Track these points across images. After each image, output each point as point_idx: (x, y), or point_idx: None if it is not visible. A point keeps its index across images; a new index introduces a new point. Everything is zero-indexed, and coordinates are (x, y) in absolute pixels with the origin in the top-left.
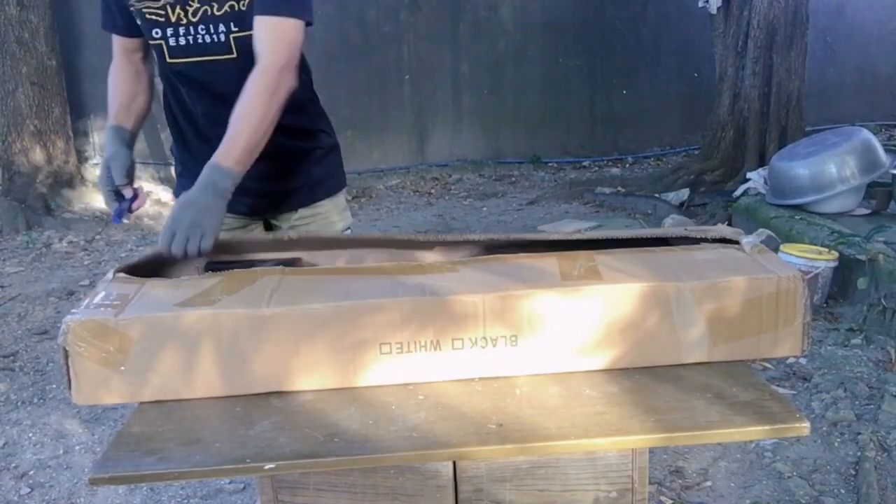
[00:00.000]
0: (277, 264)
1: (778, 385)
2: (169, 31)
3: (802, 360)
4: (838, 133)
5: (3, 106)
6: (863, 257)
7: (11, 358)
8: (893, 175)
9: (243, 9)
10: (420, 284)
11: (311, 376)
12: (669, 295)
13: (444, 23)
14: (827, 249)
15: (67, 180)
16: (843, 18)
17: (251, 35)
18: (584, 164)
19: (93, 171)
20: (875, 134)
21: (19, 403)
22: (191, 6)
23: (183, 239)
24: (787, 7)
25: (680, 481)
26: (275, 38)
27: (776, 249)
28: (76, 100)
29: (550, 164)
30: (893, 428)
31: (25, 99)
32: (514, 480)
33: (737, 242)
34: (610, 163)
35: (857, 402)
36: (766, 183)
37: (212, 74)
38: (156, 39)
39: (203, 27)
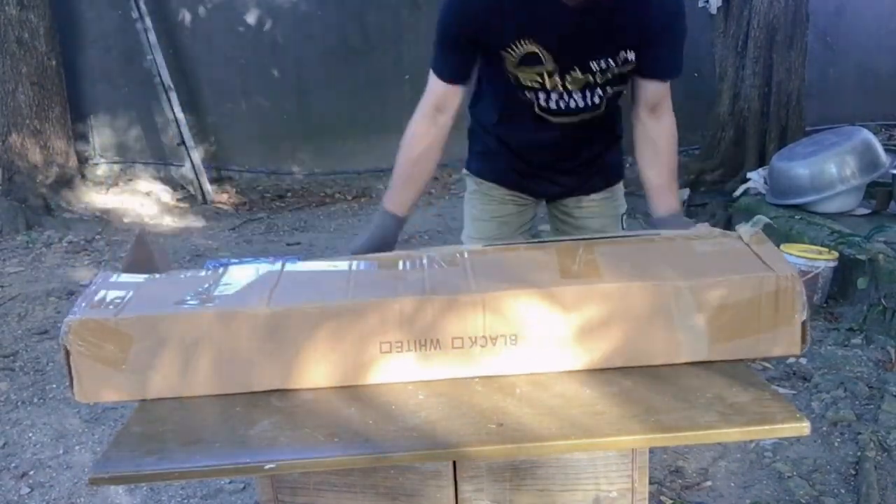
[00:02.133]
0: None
1: (778, 385)
2: (541, 95)
3: (802, 360)
4: (838, 133)
5: (3, 106)
6: (863, 257)
7: (11, 358)
8: (893, 175)
9: (624, 72)
10: (420, 280)
11: (310, 374)
12: (669, 294)
13: None
14: (827, 249)
15: (67, 180)
16: (843, 18)
17: (622, 90)
18: None
19: (92, 171)
20: (875, 134)
21: (19, 403)
22: (570, 75)
23: None
24: (787, 7)
25: (680, 481)
26: (667, 95)
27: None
28: (76, 100)
29: None
30: (893, 428)
31: (25, 99)
32: (514, 480)
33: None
34: None
35: (857, 402)
36: (766, 183)
37: (571, 127)
38: (525, 97)
39: (579, 94)
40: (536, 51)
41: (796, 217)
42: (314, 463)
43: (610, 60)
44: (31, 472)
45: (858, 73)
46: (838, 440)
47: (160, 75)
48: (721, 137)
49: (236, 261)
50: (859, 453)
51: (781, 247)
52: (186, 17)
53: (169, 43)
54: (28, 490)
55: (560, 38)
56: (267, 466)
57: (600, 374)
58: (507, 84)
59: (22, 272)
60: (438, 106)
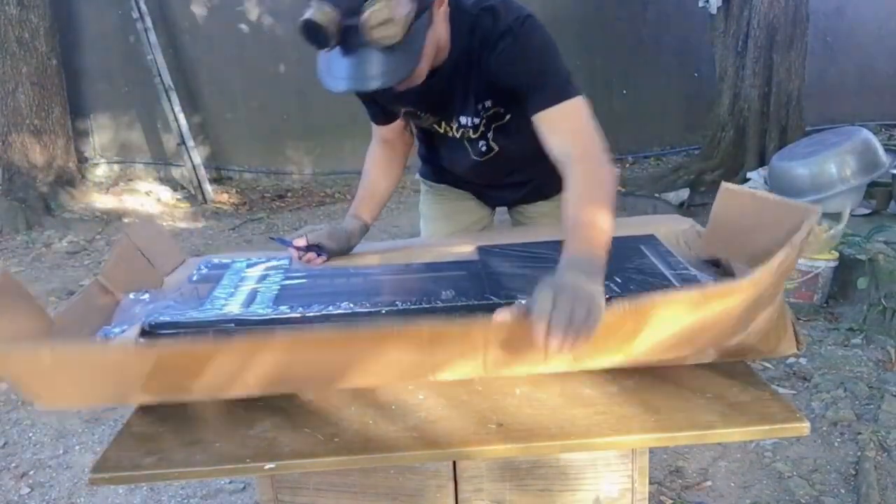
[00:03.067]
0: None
1: (778, 385)
2: (440, 132)
3: (802, 360)
4: (838, 133)
5: (3, 106)
6: (863, 257)
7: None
8: (893, 175)
9: (498, 117)
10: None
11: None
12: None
13: None
14: (827, 249)
15: (67, 180)
16: (843, 18)
17: (503, 124)
18: None
19: (92, 171)
20: (875, 134)
21: (19, 403)
22: (451, 126)
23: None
24: (787, 7)
25: (680, 481)
26: (567, 124)
27: None
28: (76, 100)
29: None
30: (893, 428)
31: (25, 99)
32: (514, 480)
33: None
34: None
35: (857, 402)
36: (766, 183)
37: (485, 153)
38: (435, 131)
39: (470, 142)
40: (412, 109)
41: None
42: (314, 463)
43: (472, 118)
44: (31, 472)
45: (858, 73)
46: (838, 440)
47: (160, 75)
48: (721, 137)
49: (228, 262)
50: (859, 453)
51: None
52: (186, 16)
53: (169, 43)
54: (28, 490)
55: (421, 101)
56: (267, 466)
57: (600, 374)
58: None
59: (22, 272)
60: (385, 138)
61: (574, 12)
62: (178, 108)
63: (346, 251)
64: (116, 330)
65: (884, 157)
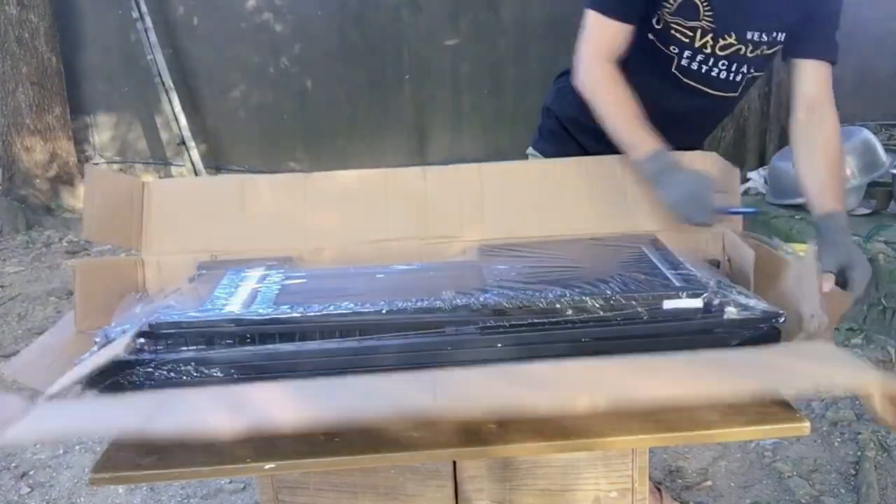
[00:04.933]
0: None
1: None
2: (686, 53)
3: None
4: None
5: (4, 105)
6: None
7: (12, 358)
8: (893, 175)
9: (769, 54)
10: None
11: None
12: None
13: (443, 23)
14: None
15: (68, 180)
16: (843, 18)
17: (759, 76)
18: None
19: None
20: (875, 134)
21: None
22: (724, 40)
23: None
24: None
25: (680, 481)
26: (828, 86)
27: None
28: (76, 99)
29: None
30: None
31: (25, 98)
32: (514, 480)
33: None
34: None
35: (857, 402)
36: (766, 182)
37: (701, 103)
38: (668, 52)
39: (725, 63)
40: (697, 3)
41: (796, 217)
42: (314, 463)
43: (765, 35)
44: (31, 472)
45: (858, 74)
46: (838, 440)
47: (160, 75)
48: (721, 137)
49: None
50: (859, 453)
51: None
52: (186, 16)
53: (169, 43)
54: (28, 490)
55: None
56: (267, 466)
57: None
58: (648, 38)
59: (22, 272)
60: (607, 53)
61: (574, 12)
62: (178, 108)
63: None
64: (117, 330)
65: (884, 157)
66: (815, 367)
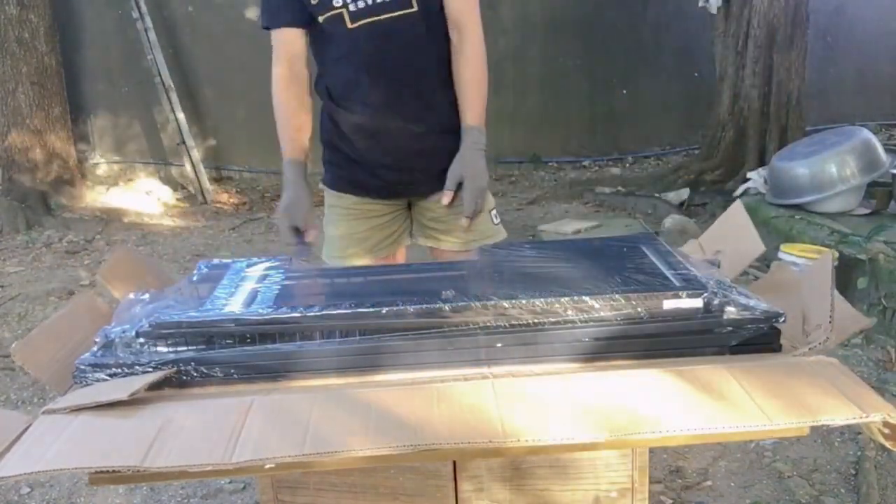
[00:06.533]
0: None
1: None
2: (349, 4)
3: None
4: (838, 133)
5: (4, 105)
6: (863, 257)
7: (11, 358)
8: (893, 175)
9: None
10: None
11: None
12: None
13: None
14: (827, 249)
15: (67, 180)
16: (843, 18)
17: None
18: (584, 163)
19: (92, 171)
20: (875, 134)
21: (19, 403)
22: None
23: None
24: (787, 7)
25: (680, 481)
26: (472, 7)
27: (776, 249)
28: (76, 99)
29: (550, 164)
30: None
31: (25, 98)
32: (514, 480)
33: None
34: (610, 162)
35: None
36: (766, 182)
37: (393, 35)
38: (336, 9)
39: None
40: None
41: (796, 217)
42: (314, 463)
43: None
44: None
45: (858, 73)
46: (838, 440)
47: (160, 75)
48: (721, 137)
49: (228, 262)
50: (859, 453)
51: (782, 247)
52: (186, 17)
53: (169, 43)
54: (28, 490)
55: None
56: (267, 466)
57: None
58: (318, 26)
59: (22, 272)
60: (290, 55)
61: (574, 12)
62: (177, 108)
63: (311, 203)
64: (117, 330)
65: (884, 156)
66: (818, 399)
